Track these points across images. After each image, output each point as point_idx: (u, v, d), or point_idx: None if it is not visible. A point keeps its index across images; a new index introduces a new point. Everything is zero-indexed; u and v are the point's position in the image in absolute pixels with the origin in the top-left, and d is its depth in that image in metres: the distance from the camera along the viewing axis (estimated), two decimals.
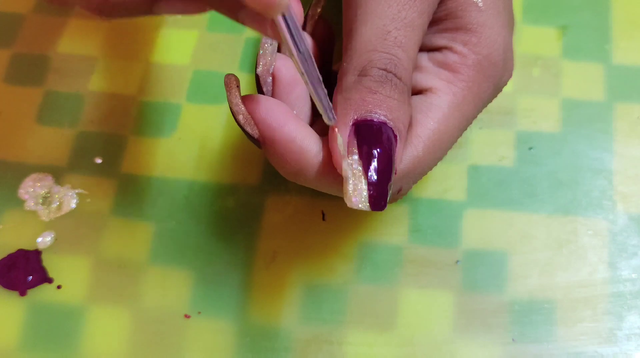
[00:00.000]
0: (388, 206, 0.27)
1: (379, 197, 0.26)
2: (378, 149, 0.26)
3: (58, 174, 0.37)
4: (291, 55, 0.25)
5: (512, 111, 0.37)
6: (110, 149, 0.38)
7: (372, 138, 0.27)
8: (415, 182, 0.31)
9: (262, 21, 0.25)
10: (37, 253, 0.36)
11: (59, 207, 0.36)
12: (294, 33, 0.25)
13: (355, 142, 0.27)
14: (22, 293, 0.35)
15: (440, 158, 0.30)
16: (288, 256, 0.35)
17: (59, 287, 0.35)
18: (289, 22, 0.25)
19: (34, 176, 0.37)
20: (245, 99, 0.28)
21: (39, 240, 0.36)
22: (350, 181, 0.26)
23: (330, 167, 0.27)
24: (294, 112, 0.28)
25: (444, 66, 0.29)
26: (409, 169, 0.28)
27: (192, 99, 0.39)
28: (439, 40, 0.30)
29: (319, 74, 0.26)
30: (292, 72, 0.29)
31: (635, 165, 0.36)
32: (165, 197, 0.36)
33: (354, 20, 0.28)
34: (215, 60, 0.40)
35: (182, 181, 0.37)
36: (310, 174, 0.28)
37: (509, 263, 0.34)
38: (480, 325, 0.33)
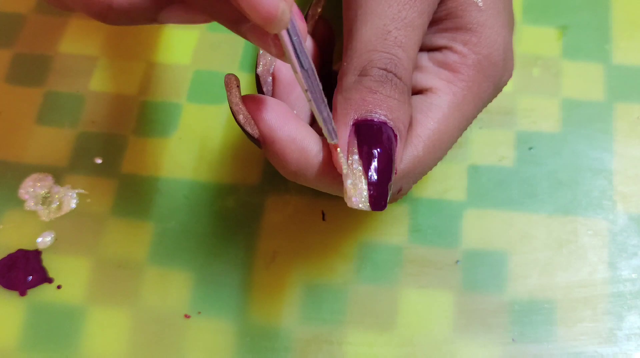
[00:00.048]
0: (388, 206, 0.27)
1: (379, 197, 0.26)
2: (378, 149, 0.26)
3: (58, 174, 0.37)
4: (295, 72, 0.25)
5: (512, 111, 0.37)
6: (110, 149, 0.38)
7: (372, 137, 0.27)
8: (415, 182, 0.31)
9: (264, 36, 0.25)
10: (37, 253, 0.36)
11: (59, 207, 0.36)
12: (297, 49, 0.25)
13: (356, 142, 0.27)
14: (22, 293, 0.35)
15: (440, 158, 0.30)
16: (288, 256, 0.35)
17: (59, 287, 0.35)
18: (293, 38, 0.24)
19: (34, 176, 0.37)
20: (245, 99, 0.28)
21: (39, 240, 0.36)
22: (350, 181, 0.26)
23: (330, 167, 0.27)
24: (294, 112, 0.28)
25: (444, 65, 0.29)
26: (409, 169, 0.28)
27: (193, 99, 0.39)
28: (439, 40, 0.30)
29: (322, 91, 0.26)
30: (292, 72, 0.29)
31: (635, 165, 0.36)
32: (165, 197, 0.36)
33: (354, 20, 0.28)
34: (215, 60, 0.40)
35: (182, 181, 0.37)
36: (310, 174, 0.28)
37: (509, 263, 0.34)
38: (480, 325, 0.33)
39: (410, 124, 0.28)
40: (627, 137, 0.37)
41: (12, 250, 0.36)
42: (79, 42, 0.41)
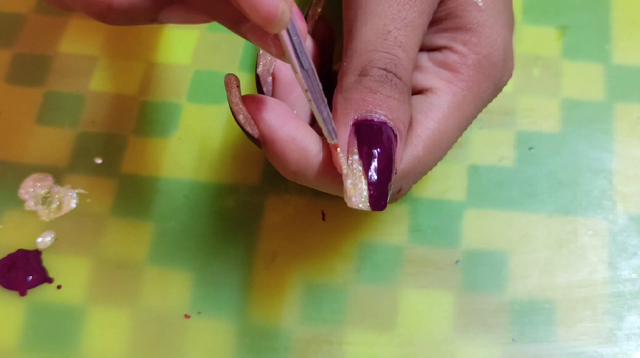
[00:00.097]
0: (388, 206, 0.27)
1: (379, 197, 0.26)
2: (378, 149, 0.26)
3: (58, 174, 0.37)
4: (295, 72, 0.25)
5: (512, 111, 0.37)
6: (110, 149, 0.38)
7: (372, 137, 0.27)
8: (415, 182, 0.31)
9: (264, 36, 0.25)
10: (37, 253, 0.36)
11: (59, 207, 0.36)
12: (297, 49, 0.25)
13: (356, 142, 0.27)
14: (22, 293, 0.35)
15: (440, 158, 0.30)
16: (288, 256, 0.35)
17: (59, 287, 0.35)
18: (293, 38, 0.24)
19: (34, 176, 0.37)
20: (245, 99, 0.28)
21: (39, 240, 0.36)
22: (350, 181, 0.26)
23: (330, 167, 0.27)
24: (294, 112, 0.28)
25: (444, 65, 0.29)
26: (409, 169, 0.28)
27: (193, 99, 0.39)
28: (439, 40, 0.30)
29: (322, 91, 0.26)
30: (292, 72, 0.29)
31: (635, 165, 0.36)
32: (165, 197, 0.36)
33: (354, 20, 0.28)
34: (215, 60, 0.40)
35: (182, 181, 0.37)
36: (310, 174, 0.28)
37: (509, 263, 0.34)
38: (480, 325, 0.33)
39: (410, 124, 0.28)
40: (627, 137, 0.37)
41: (12, 250, 0.36)
42: (79, 42, 0.41)
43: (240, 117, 0.27)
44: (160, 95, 0.39)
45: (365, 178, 0.26)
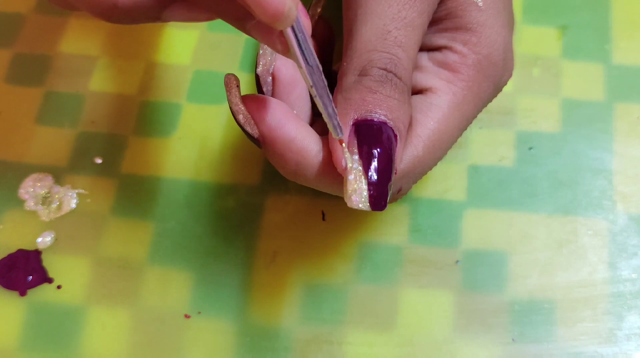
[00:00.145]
0: (388, 206, 0.27)
1: (379, 197, 0.26)
2: (378, 149, 0.26)
3: (58, 174, 0.37)
4: (299, 67, 0.25)
5: (512, 111, 0.37)
6: (110, 149, 0.38)
7: (372, 137, 0.27)
8: (415, 182, 0.31)
9: (269, 33, 0.25)
10: (37, 253, 0.36)
11: (59, 207, 0.36)
12: (302, 46, 0.25)
13: (356, 142, 0.27)
14: (22, 293, 0.35)
15: (440, 158, 0.30)
16: (288, 256, 0.35)
17: (59, 287, 0.35)
18: (298, 34, 0.24)
19: (34, 176, 0.37)
20: (245, 99, 0.28)
21: (39, 240, 0.36)
22: (350, 181, 0.26)
23: (330, 167, 0.27)
24: (294, 112, 0.28)
25: (444, 65, 0.29)
26: (409, 169, 0.28)
27: (193, 99, 0.39)
28: (439, 40, 0.30)
29: (327, 87, 0.26)
30: (292, 72, 0.29)
31: (635, 165, 0.36)
32: (165, 197, 0.36)
33: (354, 20, 0.28)
34: (215, 60, 0.40)
35: (182, 181, 0.37)
36: (310, 174, 0.28)
37: (509, 263, 0.34)
38: (480, 325, 0.33)
39: (410, 124, 0.28)
40: (627, 137, 0.37)
41: (12, 250, 0.36)
42: (79, 42, 0.41)
43: (240, 117, 0.27)
44: (160, 95, 0.39)
45: (365, 178, 0.26)
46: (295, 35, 0.24)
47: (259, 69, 0.29)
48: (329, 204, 0.36)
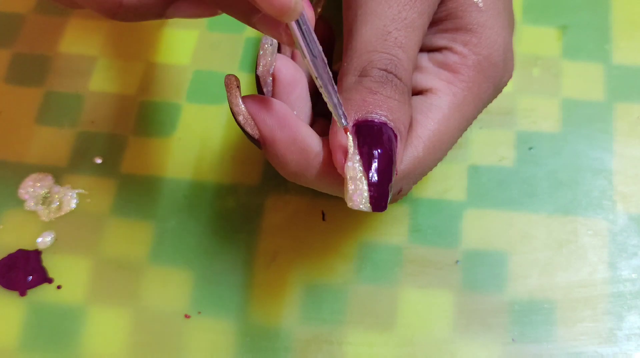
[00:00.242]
0: (388, 206, 0.27)
1: (380, 198, 0.26)
2: (379, 150, 0.26)
3: (58, 174, 0.37)
4: (304, 59, 0.26)
5: (512, 111, 0.37)
6: (110, 149, 0.38)
7: (373, 138, 0.27)
8: (415, 182, 0.31)
9: (275, 26, 0.25)
10: (37, 253, 0.36)
11: (59, 207, 0.36)
12: (307, 37, 0.25)
13: (356, 142, 0.27)
14: (22, 293, 0.35)
15: (440, 159, 0.30)
16: (288, 256, 0.35)
17: (59, 287, 0.35)
18: (303, 26, 0.25)
19: (34, 176, 0.37)
20: (245, 99, 0.28)
21: (39, 240, 0.36)
22: (351, 182, 0.26)
23: (330, 167, 0.27)
24: (294, 112, 0.28)
25: (444, 66, 0.29)
26: (410, 170, 0.28)
27: (192, 99, 0.39)
28: (439, 40, 0.30)
29: (332, 78, 0.26)
30: (292, 72, 0.29)
31: (635, 165, 0.36)
32: (165, 197, 0.36)
33: (354, 20, 0.28)
34: (215, 60, 0.40)
35: (182, 181, 0.37)
36: (310, 174, 0.28)
37: (509, 263, 0.34)
38: (480, 325, 0.33)
39: (411, 125, 0.28)
40: (627, 137, 0.37)
41: (12, 250, 0.36)
42: (79, 42, 0.41)
43: (240, 117, 0.27)
44: (160, 95, 0.39)
45: (365, 179, 0.26)
46: (300, 27, 0.25)
47: (259, 70, 0.29)
48: (329, 204, 0.36)
